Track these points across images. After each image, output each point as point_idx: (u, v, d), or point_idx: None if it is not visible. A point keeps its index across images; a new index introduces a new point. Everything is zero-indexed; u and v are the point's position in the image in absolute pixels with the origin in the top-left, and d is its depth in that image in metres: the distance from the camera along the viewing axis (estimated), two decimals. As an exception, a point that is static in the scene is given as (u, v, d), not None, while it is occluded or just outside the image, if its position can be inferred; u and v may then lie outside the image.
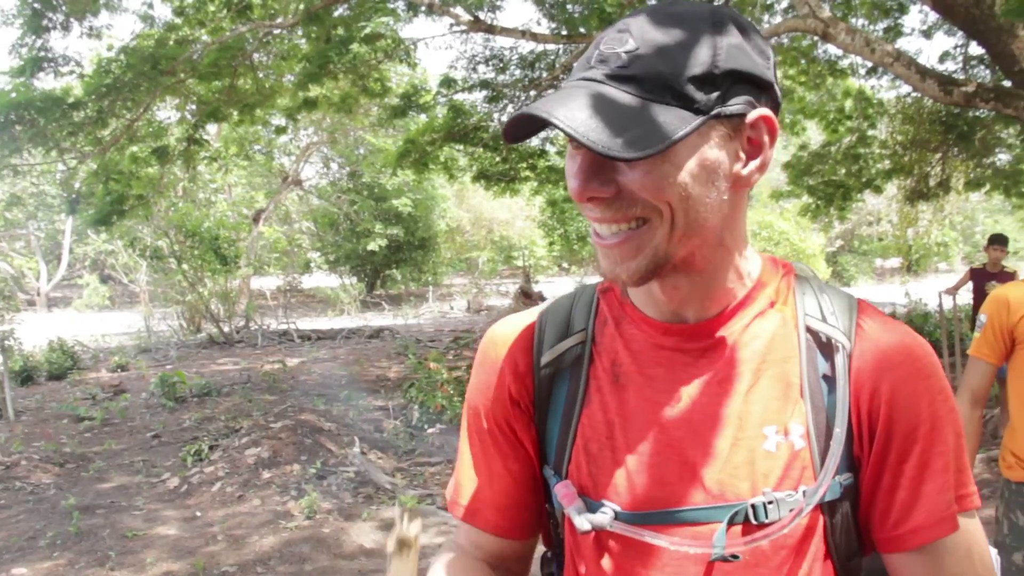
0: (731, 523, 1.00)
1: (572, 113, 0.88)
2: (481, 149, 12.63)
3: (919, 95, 11.52)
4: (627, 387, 1.07)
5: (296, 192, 29.93)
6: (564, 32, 10.30)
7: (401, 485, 7.03)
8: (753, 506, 1.00)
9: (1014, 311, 2.66)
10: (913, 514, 1.02)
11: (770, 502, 1.00)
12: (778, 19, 11.13)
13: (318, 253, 31.13)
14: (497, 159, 12.92)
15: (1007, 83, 9.31)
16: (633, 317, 1.10)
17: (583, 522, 1.04)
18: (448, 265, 33.43)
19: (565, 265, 33.71)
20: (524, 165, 13.14)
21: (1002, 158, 14.49)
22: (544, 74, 11.72)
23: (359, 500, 6.64)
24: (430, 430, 8.91)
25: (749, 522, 1.00)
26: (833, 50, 11.26)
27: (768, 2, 11.04)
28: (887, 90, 13.47)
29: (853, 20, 10.64)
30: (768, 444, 1.01)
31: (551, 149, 13.51)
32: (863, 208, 32.31)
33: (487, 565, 1.18)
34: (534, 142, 13.15)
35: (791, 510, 1.00)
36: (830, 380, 1.03)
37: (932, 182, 14.43)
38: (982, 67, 11.64)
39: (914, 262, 33.68)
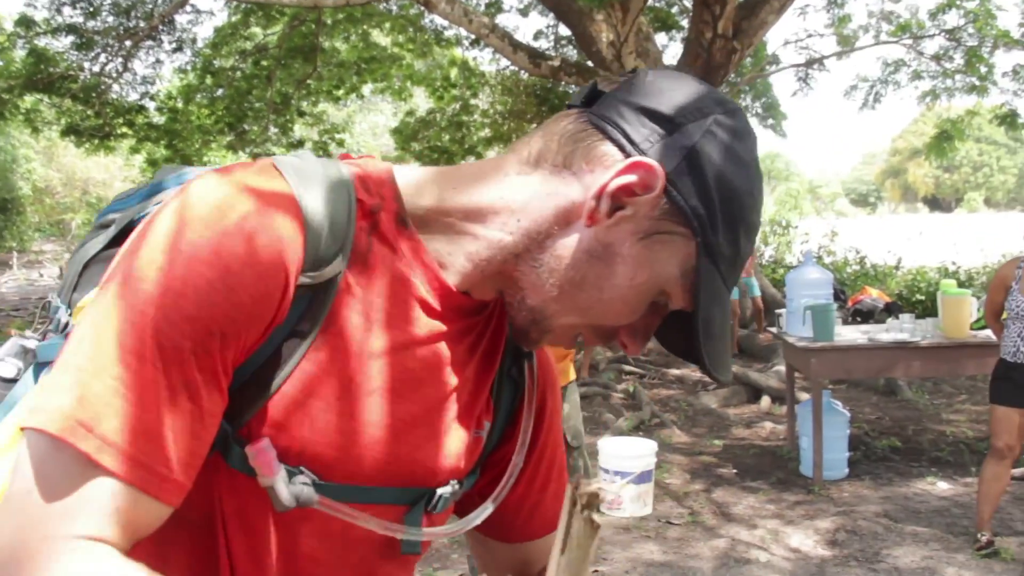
0: (424, 511, 0.94)
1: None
2: (70, 101, 11.57)
3: (516, 68, 12.46)
4: (366, 340, 0.85)
5: None
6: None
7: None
8: (441, 495, 0.94)
9: None
10: (550, 505, 1.09)
11: (452, 492, 0.95)
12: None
13: None
14: (89, 113, 11.91)
15: (589, 62, 10.43)
16: (419, 261, 0.87)
17: (288, 495, 0.81)
18: (36, 230, 30.20)
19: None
20: (120, 121, 12.24)
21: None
22: (142, 23, 11.02)
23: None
24: (11, 405, 8.10)
25: (430, 512, 0.94)
26: (440, 20, 11.81)
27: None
28: (489, 62, 14.42)
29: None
30: (471, 436, 0.96)
31: (151, 105, 12.75)
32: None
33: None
34: (132, 96, 12.34)
35: (450, 502, 0.97)
36: (514, 381, 1.03)
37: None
38: (570, 47, 12.90)
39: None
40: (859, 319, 9.11)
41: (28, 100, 11.72)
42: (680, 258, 0.84)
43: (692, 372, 9.22)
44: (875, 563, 4.26)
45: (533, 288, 0.87)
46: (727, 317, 0.91)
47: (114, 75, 11.71)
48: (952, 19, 10.50)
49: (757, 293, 10.08)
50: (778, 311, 6.57)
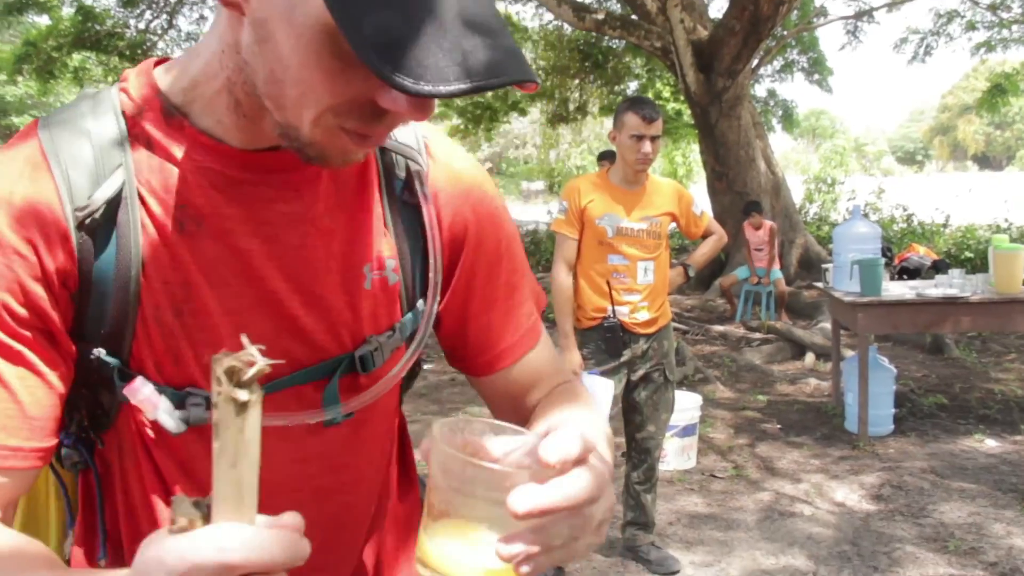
0: (340, 378, 0.92)
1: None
2: (117, 58, 11.70)
3: (560, 23, 12.34)
4: (200, 234, 0.85)
5: None
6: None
7: None
8: (361, 357, 0.92)
9: (584, 196, 3.61)
10: (507, 333, 1.02)
11: (375, 349, 0.93)
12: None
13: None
14: (135, 70, 12.04)
15: (634, 16, 10.31)
16: (197, 143, 0.86)
17: (176, 422, 0.85)
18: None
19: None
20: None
21: (632, 86, 16.07)
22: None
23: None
24: None
25: (356, 374, 0.93)
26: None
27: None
28: (532, 18, 14.29)
29: (496, -50, 11.14)
30: (367, 283, 0.92)
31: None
32: (510, 131, 34.04)
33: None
34: (177, 53, 12.42)
35: (392, 351, 0.95)
36: (409, 205, 0.96)
37: (572, 107, 15.66)
38: (614, 0, 12.73)
39: (557, 184, 36.28)
40: (905, 276, 8.98)
41: (76, 58, 11.84)
42: None
43: (736, 329, 9.18)
44: (921, 518, 4.25)
45: (268, 106, 0.79)
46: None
47: (159, 32, 11.79)
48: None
49: (779, 276, 9.76)
50: (824, 265, 6.48)
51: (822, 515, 4.34)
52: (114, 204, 0.84)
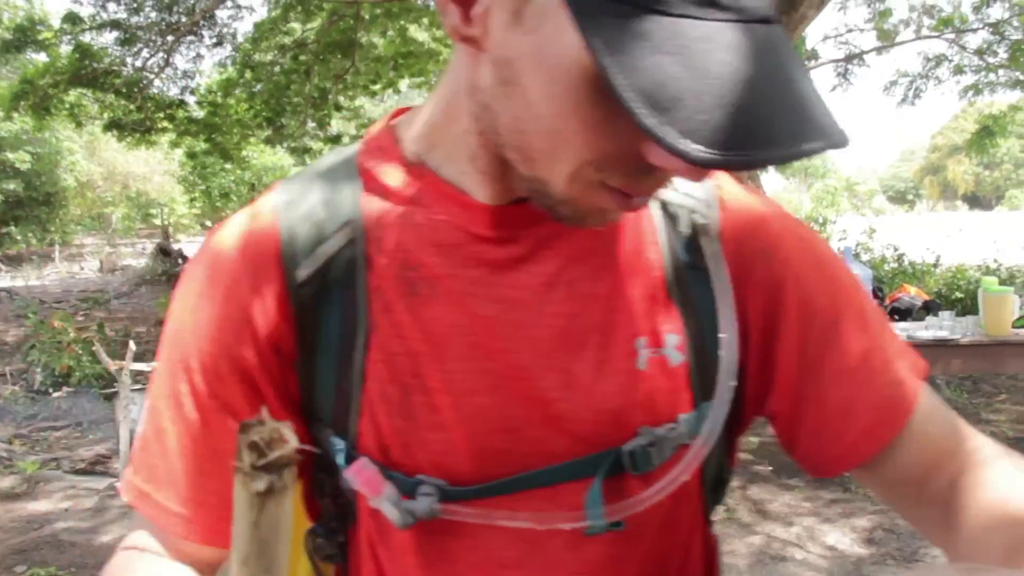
0: (604, 479, 0.75)
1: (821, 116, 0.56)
2: (113, 96, 11.76)
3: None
4: (434, 298, 0.74)
5: None
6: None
7: (20, 451, 6.50)
8: (632, 453, 0.75)
9: None
10: (862, 413, 0.78)
11: (651, 444, 0.75)
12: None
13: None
14: (131, 107, 12.09)
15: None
16: (439, 193, 0.76)
17: (403, 517, 0.74)
18: (78, 223, 30.66)
19: (208, 223, 32.24)
20: (161, 115, 12.43)
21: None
22: (183, 19, 11.16)
23: (-31, 470, 6.05)
24: (55, 394, 8.27)
25: (626, 474, 0.76)
26: None
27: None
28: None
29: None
30: (639, 362, 0.75)
31: (191, 99, 12.91)
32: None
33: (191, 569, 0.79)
34: (172, 91, 12.50)
35: (674, 449, 0.76)
36: (698, 270, 0.78)
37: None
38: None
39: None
40: (897, 317, 9.00)
41: (72, 95, 11.89)
42: (567, 17, 0.57)
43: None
44: (913, 561, 4.23)
45: (510, 157, 0.69)
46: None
47: (156, 70, 11.86)
48: (996, 12, 10.35)
49: None
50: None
51: (814, 559, 4.32)
52: (340, 263, 0.75)
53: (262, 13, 15.06)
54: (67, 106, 12.06)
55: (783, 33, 0.58)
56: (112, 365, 5.61)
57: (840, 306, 0.79)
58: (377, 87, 13.48)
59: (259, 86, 12.74)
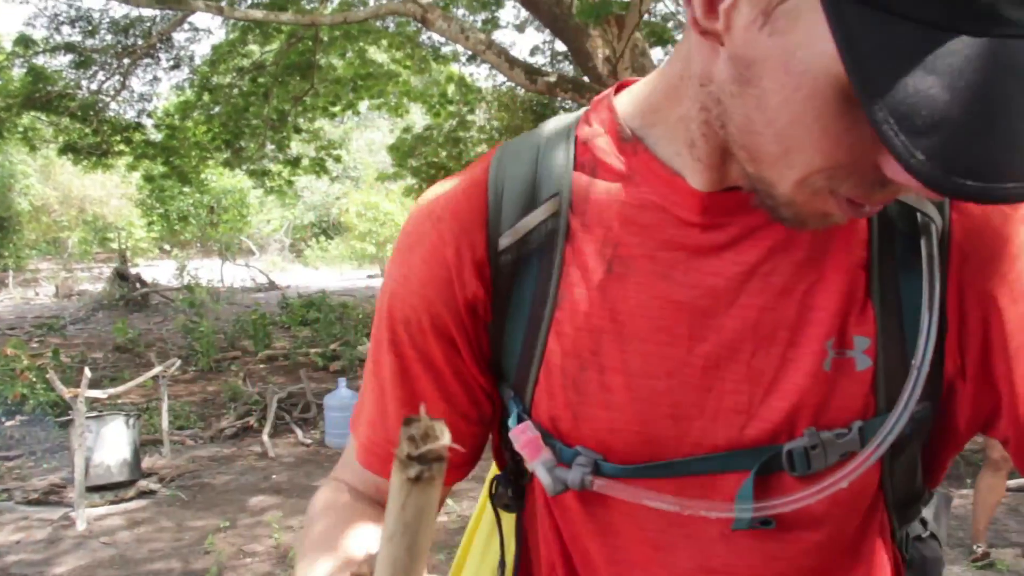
0: (759, 474, 0.74)
1: None
2: (68, 119, 11.62)
3: (513, 84, 12.54)
4: (627, 277, 0.75)
5: None
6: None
7: (-29, 482, 6.35)
8: (791, 452, 0.73)
9: None
10: None
11: (814, 446, 0.73)
12: (381, 1, 11.55)
13: None
14: (87, 130, 11.95)
15: (585, 78, 10.48)
16: (651, 172, 0.75)
17: (554, 483, 0.77)
18: (33, 247, 30.16)
19: (166, 247, 31.88)
20: (118, 138, 12.28)
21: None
22: (140, 41, 11.07)
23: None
24: (8, 422, 8.10)
25: (784, 472, 0.74)
26: (437, 37, 11.88)
27: (370, -11, 11.35)
28: (486, 79, 14.51)
29: (455, 10, 11.31)
30: (825, 363, 0.73)
31: (148, 122, 12.79)
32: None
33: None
34: (129, 113, 12.38)
35: (842, 456, 0.73)
36: (912, 271, 0.73)
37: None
38: (567, 62, 12.96)
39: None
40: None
41: (26, 118, 11.74)
42: (821, 23, 0.54)
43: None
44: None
45: (738, 155, 0.68)
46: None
47: (112, 93, 11.74)
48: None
49: None
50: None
51: None
52: (541, 233, 0.78)
53: (220, 36, 15.00)
54: (20, 130, 11.91)
55: None
56: (67, 393, 5.51)
57: None
58: (336, 109, 13.46)
59: (217, 108, 12.66)
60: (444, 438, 0.48)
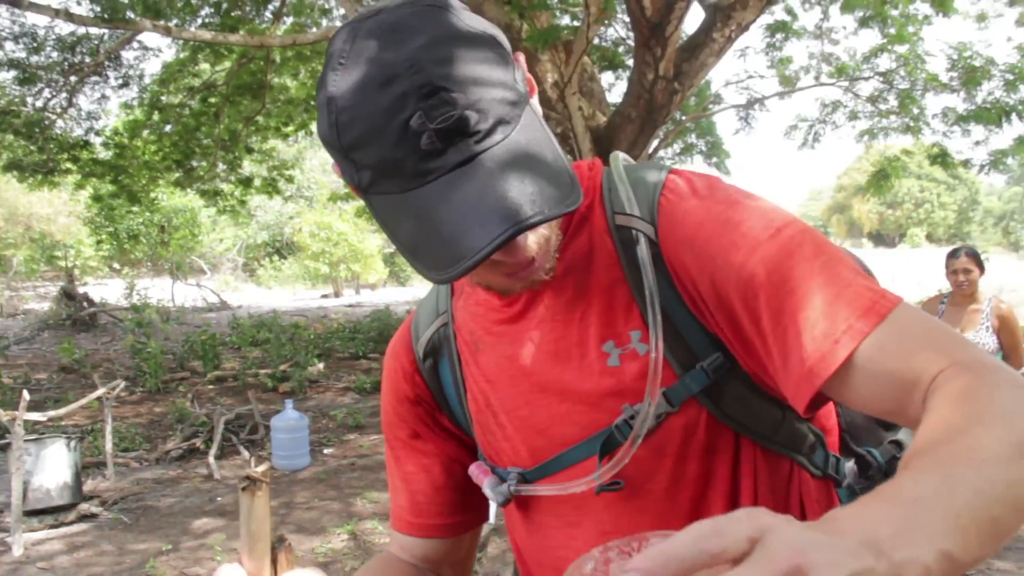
0: (604, 452, 0.98)
1: (515, 204, 0.79)
2: (12, 136, 11.45)
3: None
4: (484, 351, 1.07)
5: None
6: (107, 16, 9.71)
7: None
8: (618, 427, 0.97)
9: None
10: (802, 353, 0.83)
11: (631, 417, 0.96)
12: (332, 23, 11.53)
13: None
14: (32, 148, 11.78)
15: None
16: (478, 291, 1.08)
17: (496, 495, 1.08)
18: (-24, 266, 29.48)
19: (116, 266, 31.38)
20: (65, 156, 12.13)
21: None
22: (87, 59, 10.96)
23: None
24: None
25: (620, 444, 0.97)
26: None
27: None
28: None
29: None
30: (612, 360, 0.97)
31: (96, 140, 12.63)
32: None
33: (416, 568, 1.20)
34: (76, 131, 12.23)
35: (658, 417, 0.95)
36: (660, 274, 0.96)
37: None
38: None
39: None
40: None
41: (-32, 135, 11.56)
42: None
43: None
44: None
45: None
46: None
47: (58, 110, 11.62)
48: (884, 63, 10.84)
49: None
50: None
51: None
52: (439, 339, 1.13)
53: (170, 55, 14.86)
54: (-38, 147, 11.71)
55: (490, 155, 0.82)
56: (4, 416, 5.42)
57: (748, 271, 0.88)
58: (289, 129, 13.42)
59: (168, 128, 12.56)
60: (260, 470, 0.82)
